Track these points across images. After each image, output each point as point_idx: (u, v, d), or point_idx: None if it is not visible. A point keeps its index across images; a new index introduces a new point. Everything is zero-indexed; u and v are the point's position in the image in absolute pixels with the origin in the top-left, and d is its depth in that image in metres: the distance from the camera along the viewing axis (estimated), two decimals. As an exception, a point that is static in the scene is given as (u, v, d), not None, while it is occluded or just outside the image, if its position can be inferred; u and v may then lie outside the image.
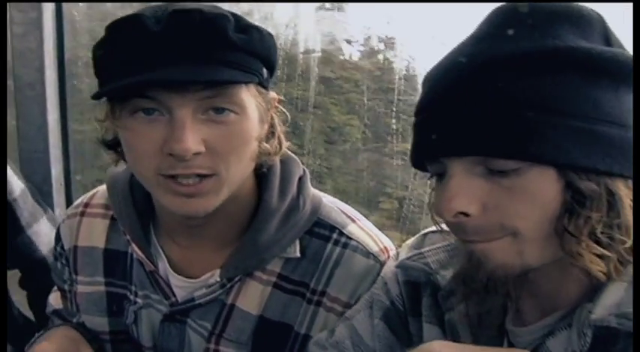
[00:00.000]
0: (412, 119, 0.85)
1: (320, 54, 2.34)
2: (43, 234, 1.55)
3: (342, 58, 2.49)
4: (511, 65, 0.75)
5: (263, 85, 1.03)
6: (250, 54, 0.98)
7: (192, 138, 0.95)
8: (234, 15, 0.99)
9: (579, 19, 0.78)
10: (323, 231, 1.14)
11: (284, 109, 1.12)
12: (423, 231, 1.08)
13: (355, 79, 2.48)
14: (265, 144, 1.07)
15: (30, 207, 1.55)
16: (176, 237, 1.15)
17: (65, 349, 1.15)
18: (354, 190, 2.54)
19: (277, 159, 1.12)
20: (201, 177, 0.98)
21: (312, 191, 1.17)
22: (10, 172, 1.51)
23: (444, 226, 0.88)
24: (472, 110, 0.75)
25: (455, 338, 0.94)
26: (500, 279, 0.80)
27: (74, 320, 1.27)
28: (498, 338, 0.91)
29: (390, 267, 1.09)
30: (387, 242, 1.17)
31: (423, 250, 1.04)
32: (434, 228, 0.99)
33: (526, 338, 0.86)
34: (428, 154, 0.82)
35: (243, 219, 1.12)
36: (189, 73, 0.94)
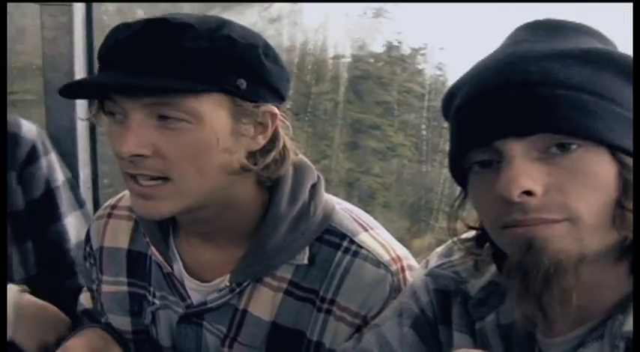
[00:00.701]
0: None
1: (377, 77, 2.39)
2: (72, 227, 1.60)
3: (394, 76, 2.54)
4: (567, 57, 0.80)
5: (240, 95, 1.01)
6: (212, 63, 0.97)
7: (132, 141, 0.96)
8: (206, 24, 0.98)
9: (597, 33, 0.87)
10: (333, 239, 1.13)
11: (287, 121, 1.10)
12: (453, 239, 1.06)
13: (408, 102, 2.53)
14: (259, 158, 1.06)
15: (67, 198, 1.62)
16: (190, 239, 1.17)
17: (95, 346, 1.17)
18: (403, 204, 2.61)
19: (282, 171, 1.11)
20: (155, 179, 1.00)
21: (325, 198, 1.16)
22: (55, 162, 1.60)
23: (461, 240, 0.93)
24: (534, 92, 0.78)
25: (485, 348, 0.94)
26: (554, 272, 0.78)
27: (102, 320, 1.28)
28: (529, 349, 0.90)
29: (419, 275, 1.08)
30: (400, 251, 1.16)
31: (452, 258, 1.04)
32: (464, 236, 0.99)
33: (557, 349, 0.86)
34: (484, 139, 0.82)
35: (252, 224, 1.12)
36: (130, 78, 0.95)
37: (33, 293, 1.55)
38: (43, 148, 1.57)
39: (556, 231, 0.78)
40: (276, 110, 1.05)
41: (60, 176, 1.61)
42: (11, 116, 1.51)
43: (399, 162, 2.65)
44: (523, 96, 0.78)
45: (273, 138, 1.07)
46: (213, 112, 0.99)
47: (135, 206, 1.04)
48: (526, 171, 0.78)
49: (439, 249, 1.10)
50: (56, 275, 1.58)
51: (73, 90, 1.04)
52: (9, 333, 1.31)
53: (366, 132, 2.60)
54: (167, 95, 0.96)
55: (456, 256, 1.04)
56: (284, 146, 1.10)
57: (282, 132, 1.09)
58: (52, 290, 1.52)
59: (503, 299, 0.94)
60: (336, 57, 2.30)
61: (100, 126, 1.08)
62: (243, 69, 1.00)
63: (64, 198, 1.61)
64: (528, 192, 0.77)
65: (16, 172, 1.52)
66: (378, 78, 2.54)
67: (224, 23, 1.01)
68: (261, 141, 1.05)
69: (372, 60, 2.51)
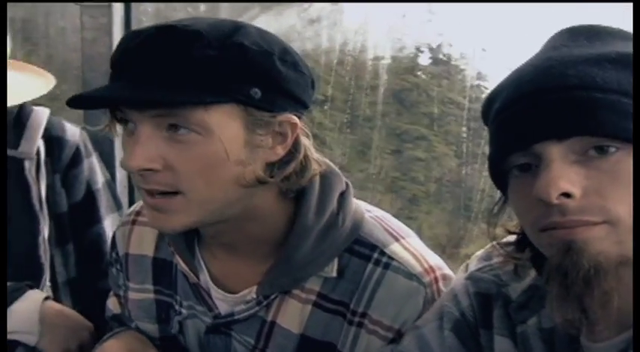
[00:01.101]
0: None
1: (423, 89, 2.42)
2: (110, 229, 1.60)
3: (439, 89, 2.58)
4: (605, 61, 0.81)
5: (254, 105, 0.96)
6: (221, 72, 0.93)
7: (140, 155, 0.93)
8: (216, 32, 0.94)
9: (625, 35, 0.87)
10: (363, 250, 1.08)
11: (307, 132, 1.05)
12: (493, 242, 1.04)
13: (453, 113, 2.56)
14: (277, 170, 1.02)
15: (107, 200, 1.63)
16: (215, 250, 1.14)
17: (132, 347, 1.17)
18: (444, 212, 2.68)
19: (303, 183, 1.06)
20: (165, 193, 0.96)
21: (355, 207, 1.12)
22: (96, 164, 1.61)
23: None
24: (573, 96, 0.79)
25: (527, 351, 0.93)
26: (594, 274, 0.78)
27: (132, 326, 1.28)
28: None
29: (459, 279, 1.06)
30: (434, 261, 1.11)
31: (493, 262, 1.02)
32: (503, 240, 0.98)
33: None
34: (523, 142, 0.82)
35: (279, 235, 1.08)
36: (134, 91, 0.92)
37: (73, 295, 1.58)
38: (86, 151, 1.58)
39: (595, 233, 0.78)
40: (295, 119, 1.00)
41: (100, 178, 1.62)
42: (55, 118, 1.53)
43: (441, 171, 2.68)
44: (561, 99, 0.79)
45: (293, 149, 1.02)
46: (225, 124, 0.95)
47: (149, 219, 1.02)
48: (564, 174, 0.78)
49: (479, 253, 1.08)
50: (94, 276, 1.59)
51: (82, 101, 1.00)
52: (34, 340, 1.34)
53: (412, 142, 2.65)
54: (174, 107, 0.92)
55: (496, 259, 1.02)
56: (305, 156, 1.04)
57: (304, 141, 1.04)
58: (90, 291, 1.55)
59: (545, 302, 0.91)
60: (376, 58, 2.28)
61: (116, 136, 1.06)
62: (256, 77, 0.95)
63: (104, 201, 1.62)
64: (567, 195, 0.78)
65: (60, 175, 1.53)
66: (424, 90, 2.57)
67: (238, 29, 0.96)
68: (281, 151, 1.01)
69: (419, 72, 2.53)
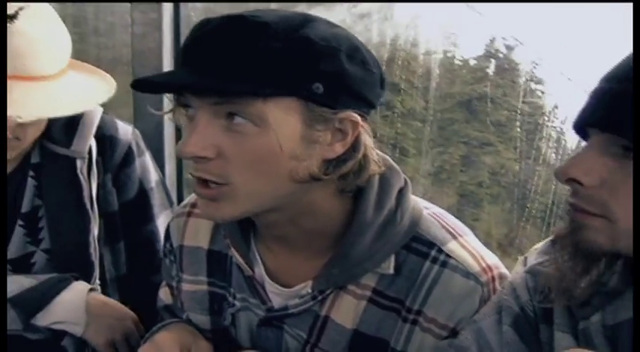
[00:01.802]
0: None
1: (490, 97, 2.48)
2: (162, 226, 1.60)
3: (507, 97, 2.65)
4: None
5: (315, 101, 0.95)
6: (285, 65, 0.92)
7: (196, 142, 0.94)
8: (285, 24, 0.93)
9: None
10: (421, 247, 1.07)
11: (369, 130, 1.03)
12: (552, 237, 1.02)
13: (517, 119, 2.62)
14: (332, 168, 1.00)
15: (160, 198, 1.63)
16: (270, 244, 1.14)
17: (184, 340, 1.17)
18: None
19: (360, 182, 1.05)
20: (215, 183, 0.97)
21: (413, 204, 1.10)
22: (149, 162, 1.61)
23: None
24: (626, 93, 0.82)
25: (589, 349, 0.90)
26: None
27: (183, 317, 1.28)
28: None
29: (518, 273, 1.04)
30: (491, 260, 1.10)
31: (554, 256, 0.98)
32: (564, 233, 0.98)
33: None
34: (578, 125, 0.89)
35: (336, 231, 1.08)
36: (195, 78, 0.93)
37: (121, 292, 1.59)
38: (138, 150, 1.58)
39: (592, 222, 0.85)
40: (357, 117, 0.98)
41: (153, 176, 1.62)
42: (108, 117, 1.53)
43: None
44: (616, 94, 0.83)
45: (353, 148, 1.00)
46: (282, 117, 0.94)
47: (199, 207, 1.03)
48: (584, 163, 0.84)
49: (538, 246, 1.06)
50: (147, 273, 1.59)
51: (147, 85, 1.02)
52: (80, 331, 1.38)
53: (481, 148, 2.79)
54: (233, 96, 0.93)
55: (558, 254, 0.99)
56: (364, 156, 1.02)
57: (365, 141, 1.02)
58: (141, 287, 1.56)
59: (610, 299, 0.92)
60: (428, 53, 2.25)
61: (175, 122, 1.07)
62: (319, 72, 0.94)
63: (157, 199, 1.63)
64: (578, 181, 0.84)
65: (111, 174, 1.53)
66: (491, 99, 2.60)
67: (307, 22, 0.95)
68: (339, 149, 0.99)
69: (487, 83, 2.56)
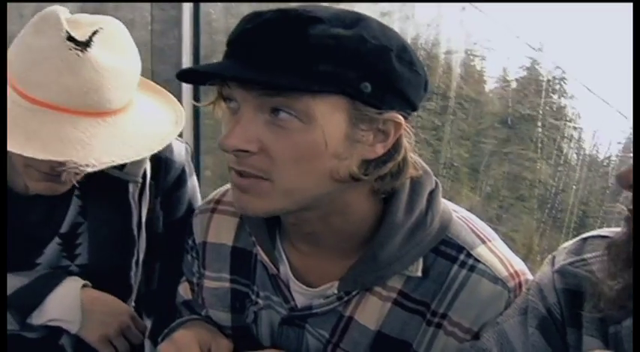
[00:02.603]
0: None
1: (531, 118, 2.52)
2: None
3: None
4: None
5: (362, 100, 0.94)
6: (335, 63, 0.91)
7: (239, 135, 0.93)
8: (339, 21, 0.92)
9: None
10: (450, 251, 1.06)
11: (410, 132, 1.02)
12: (582, 236, 1.01)
13: (554, 136, 2.67)
14: (372, 169, 0.99)
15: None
16: (296, 242, 1.13)
17: (203, 338, 1.16)
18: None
19: (397, 185, 1.04)
20: (255, 177, 0.96)
21: (443, 206, 1.10)
22: (196, 181, 1.54)
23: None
24: None
25: None
26: None
27: (202, 313, 1.28)
28: None
29: (546, 273, 1.01)
30: (519, 266, 1.08)
31: (586, 256, 0.97)
32: (594, 233, 0.97)
33: None
34: None
35: (365, 232, 1.07)
36: (245, 71, 0.91)
37: (148, 304, 1.54)
38: (189, 170, 1.51)
39: None
40: (401, 119, 0.97)
41: (199, 195, 1.55)
42: None
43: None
44: None
45: (393, 149, 1.00)
46: (329, 114, 0.93)
47: (234, 198, 1.01)
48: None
49: (566, 245, 1.03)
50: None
51: (189, 75, 1.03)
52: (75, 329, 1.32)
53: (521, 165, 2.84)
54: (281, 90, 0.91)
55: (590, 254, 0.97)
56: (404, 158, 1.02)
57: (405, 143, 1.01)
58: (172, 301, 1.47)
59: None
60: (449, 52, 2.23)
61: (205, 117, 1.07)
62: (369, 72, 0.93)
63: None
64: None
65: (161, 197, 1.46)
66: (531, 118, 2.64)
67: (359, 20, 0.94)
68: (380, 150, 0.98)
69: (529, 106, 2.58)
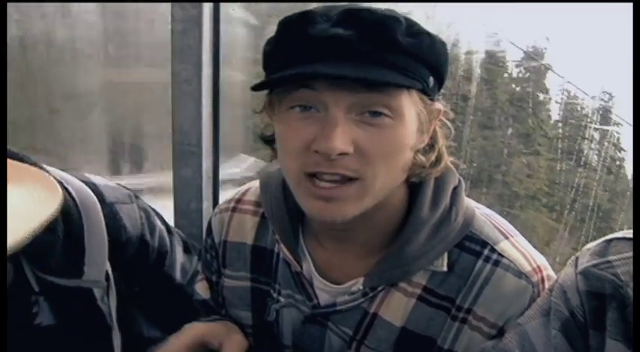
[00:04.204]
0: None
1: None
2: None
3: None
4: None
5: (427, 93, 0.99)
6: (417, 59, 0.95)
7: (342, 138, 0.93)
8: (407, 19, 0.96)
9: None
10: (474, 246, 1.08)
11: (448, 122, 1.08)
12: (606, 237, 1.00)
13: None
14: (421, 157, 1.03)
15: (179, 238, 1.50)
16: (322, 240, 1.14)
17: (216, 330, 1.18)
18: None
19: (435, 173, 1.07)
20: (344, 180, 0.96)
21: (466, 203, 1.11)
22: (161, 227, 1.42)
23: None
24: None
25: None
26: None
27: (222, 313, 1.29)
28: None
29: (568, 274, 1.01)
30: (541, 261, 1.10)
31: (610, 258, 0.96)
32: (618, 235, 0.97)
33: None
34: None
35: (391, 228, 1.09)
36: (346, 69, 0.92)
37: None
38: (149, 225, 1.38)
39: None
40: (441, 107, 1.05)
41: (167, 236, 1.45)
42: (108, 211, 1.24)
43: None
44: None
45: (432, 139, 1.06)
46: (409, 109, 0.98)
47: (313, 209, 1.01)
48: None
49: (590, 246, 1.03)
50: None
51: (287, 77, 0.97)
52: None
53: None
54: (374, 89, 0.94)
55: (615, 256, 0.96)
56: (441, 147, 1.08)
57: (439, 132, 1.07)
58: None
59: None
60: (469, 52, 2.22)
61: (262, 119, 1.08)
62: (435, 66, 0.99)
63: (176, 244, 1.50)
64: None
65: (128, 280, 1.31)
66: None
67: (410, 18, 0.99)
68: (426, 139, 1.04)
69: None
